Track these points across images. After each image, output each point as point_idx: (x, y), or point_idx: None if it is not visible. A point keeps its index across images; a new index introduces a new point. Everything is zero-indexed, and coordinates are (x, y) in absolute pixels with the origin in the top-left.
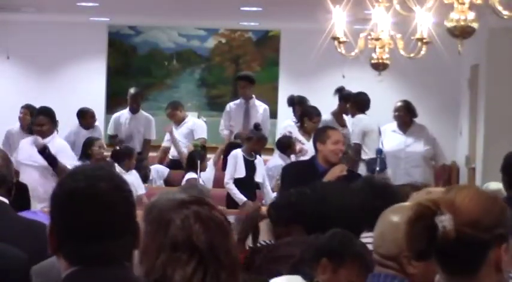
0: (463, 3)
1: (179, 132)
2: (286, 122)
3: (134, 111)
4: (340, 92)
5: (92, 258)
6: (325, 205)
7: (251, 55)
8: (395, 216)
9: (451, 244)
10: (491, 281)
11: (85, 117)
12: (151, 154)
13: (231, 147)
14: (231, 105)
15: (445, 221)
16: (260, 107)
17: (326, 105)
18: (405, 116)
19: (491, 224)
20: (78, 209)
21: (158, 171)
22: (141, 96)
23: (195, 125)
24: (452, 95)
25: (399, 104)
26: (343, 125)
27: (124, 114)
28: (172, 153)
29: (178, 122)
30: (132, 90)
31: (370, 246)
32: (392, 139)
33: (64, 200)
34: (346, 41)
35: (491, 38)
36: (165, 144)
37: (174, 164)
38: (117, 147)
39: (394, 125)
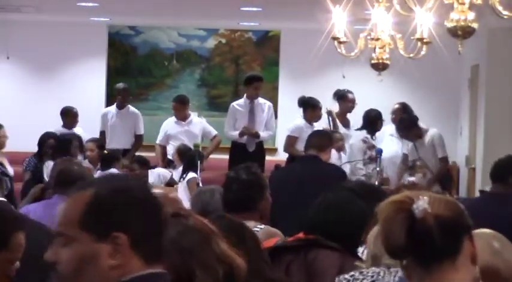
0: (463, 3)
1: (184, 130)
2: (297, 121)
3: (120, 107)
4: (337, 94)
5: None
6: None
7: (251, 55)
8: None
9: (430, 229)
10: (468, 271)
11: (68, 115)
12: (150, 154)
13: (235, 147)
14: (235, 105)
15: (423, 205)
16: (265, 105)
17: (326, 105)
18: None
19: (462, 211)
20: (158, 212)
21: (160, 175)
22: (127, 92)
23: (202, 124)
24: (452, 95)
25: (396, 106)
26: (346, 125)
27: (111, 110)
28: (170, 151)
29: (183, 118)
30: (119, 86)
31: None
32: (389, 143)
33: (145, 206)
34: (346, 41)
35: (491, 38)
36: (162, 142)
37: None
38: (105, 152)
39: (393, 127)
